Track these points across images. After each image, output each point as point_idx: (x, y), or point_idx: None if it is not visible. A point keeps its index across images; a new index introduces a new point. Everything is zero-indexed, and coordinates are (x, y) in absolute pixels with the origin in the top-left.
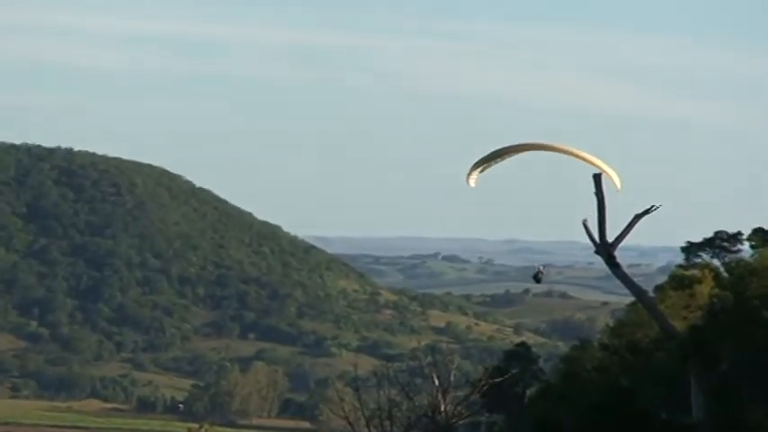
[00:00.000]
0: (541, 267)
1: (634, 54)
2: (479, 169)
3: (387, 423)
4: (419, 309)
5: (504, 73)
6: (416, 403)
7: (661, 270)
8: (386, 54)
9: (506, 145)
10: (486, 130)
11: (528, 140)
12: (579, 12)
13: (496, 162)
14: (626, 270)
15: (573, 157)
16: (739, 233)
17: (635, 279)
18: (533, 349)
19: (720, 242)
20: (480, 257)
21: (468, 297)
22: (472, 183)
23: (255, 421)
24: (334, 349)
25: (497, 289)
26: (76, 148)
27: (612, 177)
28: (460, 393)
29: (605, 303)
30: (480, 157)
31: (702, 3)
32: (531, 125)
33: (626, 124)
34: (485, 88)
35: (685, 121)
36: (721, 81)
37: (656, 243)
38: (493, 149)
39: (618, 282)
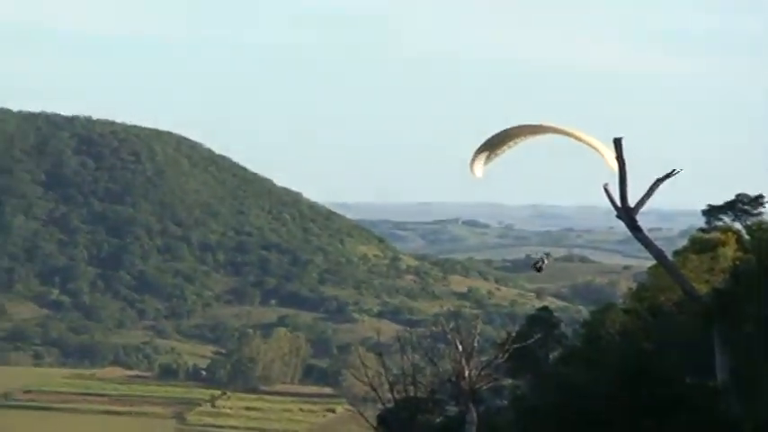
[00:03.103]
0: (545, 256)
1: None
2: (484, 158)
3: (411, 388)
4: (440, 274)
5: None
6: (440, 369)
7: (682, 234)
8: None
9: (507, 128)
10: (494, 91)
11: (536, 122)
12: None
13: (502, 151)
14: (647, 234)
15: (577, 141)
16: (760, 196)
17: (656, 243)
18: (555, 313)
19: (742, 205)
20: (500, 222)
21: (489, 262)
22: (479, 172)
23: (278, 387)
24: (355, 315)
25: (518, 254)
26: (95, 117)
27: (608, 161)
28: (484, 358)
29: (626, 267)
30: (481, 145)
31: None
32: (548, 86)
33: (646, 83)
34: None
35: (704, 83)
36: (741, 40)
37: (677, 207)
38: (491, 135)
39: (638, 245)
